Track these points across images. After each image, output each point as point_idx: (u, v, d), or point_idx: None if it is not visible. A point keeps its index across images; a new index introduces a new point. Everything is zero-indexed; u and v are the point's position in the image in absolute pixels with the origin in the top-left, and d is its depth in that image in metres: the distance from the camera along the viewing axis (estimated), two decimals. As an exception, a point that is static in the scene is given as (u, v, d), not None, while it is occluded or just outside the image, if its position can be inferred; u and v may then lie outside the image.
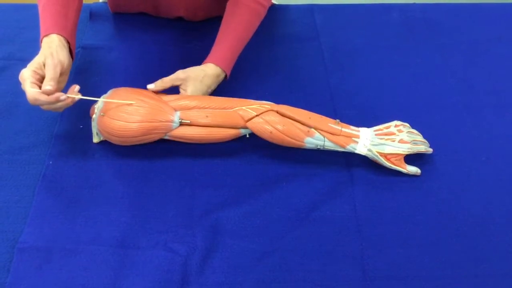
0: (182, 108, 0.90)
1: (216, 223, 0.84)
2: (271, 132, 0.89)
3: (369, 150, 0.89)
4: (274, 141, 0.90)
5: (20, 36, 1.17)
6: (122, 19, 1.20)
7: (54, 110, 0.87)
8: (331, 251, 0.82)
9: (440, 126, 1.00)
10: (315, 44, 1.18)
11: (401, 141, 0.90)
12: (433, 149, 0.93)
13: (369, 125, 0.94)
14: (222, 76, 0.99)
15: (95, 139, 0.93)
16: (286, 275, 0.79)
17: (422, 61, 1.14)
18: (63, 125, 0.97)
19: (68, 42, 0.91)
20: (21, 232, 0.82)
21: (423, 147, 0.91)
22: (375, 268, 0.80)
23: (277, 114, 0.90)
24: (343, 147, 0.89)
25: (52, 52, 0.87)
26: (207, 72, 0.97)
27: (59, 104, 0.85)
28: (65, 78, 0.90)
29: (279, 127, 0.88)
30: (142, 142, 0.91)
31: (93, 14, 1.20)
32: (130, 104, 0.88)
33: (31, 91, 0.83)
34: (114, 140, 0.90)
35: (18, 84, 1.04)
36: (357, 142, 0.89)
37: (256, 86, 1.06)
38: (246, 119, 0.89)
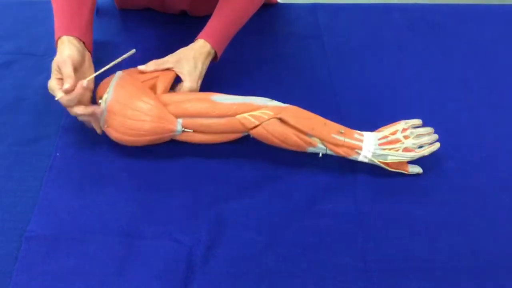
0: (183, 114, 0.89)
1: (220, 215, 0.86)
2: (272, 142, 0.89)
3: (371, 160, 0.89)
4: (277, 146, 0.91)
5: (27, 31, 1.18)
6: (128, 15, 1.22)
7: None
8: (333, 244, 0.83)
9: (441, 125, 1.01)
10: (318, 43, 1.19)
11: (405, 149, 0.89)
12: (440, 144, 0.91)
13: (371, 122, 0.95)
14: (213, 52, 0.99)
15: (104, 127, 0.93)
16: (288, 267, 0.81)
17: (424, 60, 1.16)
18: (70, 118, 0.98)
19: (80, 39, 0.92)
20: (29, 221, 0.83)
21: (428, 150, 0.89)
22: (376, 261, 0.81)
23: (280, 123, 0.89)
24: (345, 157, 0.90)
25: (61, 53, 0.88)
26: (196, 49, 0.97)
27: (86, 96, 0.88)
28: (86, 71, 0.91)
29: (282, 138, 0.89)
30: (152, 143, 0.92)
31: (100, 10, 1.22)
32: (133, 119, 0.87)
33: (64, 98, 0.85)
34: (119, 138, 0.91)
35: (25, 77, 1.07)
36: (359, 154, 0.89)
37: (259, 83, 1.07)
38: (248, 128, 0.89)
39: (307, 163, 0.94)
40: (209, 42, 0.98)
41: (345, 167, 0.93)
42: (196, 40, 0.99)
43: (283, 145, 0.90)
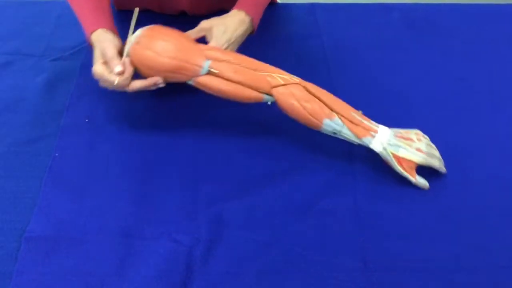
0: (213, 59, 0.89)
1: (220, 215, 0.86)
2: (292, 104, 0.88)
3: (384, 148, 0.87)
4: (293, 115, 0.89)
5: (26, 32, 1.19)
6: (127, 16, 1.21)
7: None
8: (333, 243, 0.83)
9: (440, 125, 1.01)
10: (317, 43, 1.19)
11: (417, 149, 0.88)
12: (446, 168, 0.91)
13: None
14: (247, 21, 0.99)
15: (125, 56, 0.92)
16: (288, 266, 0.80)
17: (423, 60, 1.16)
18: (69, 118, 0.99)
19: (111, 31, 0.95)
20: (28, 222, 0.83)
21: (438, 163, 0.89)
22: (376, 260, 0.81)
23: (304, 90, 0.89)
24: (359, 138, 0.88)
25: (102, 41, 0.91)
26: (229, 16, 0.98)
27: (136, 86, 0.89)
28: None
29: (303, 102, 0.88)
30: (167, 80, 0.90)
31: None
32: (166, 40, 0.88)
33: (120, 80, 0.87)
34: (143, 71, 0.90)
35: (24, 78, 1.08)
36: (374, 137, 0.87)
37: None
38: (273, 85, 0.89)
39: (307, 162, 0.94)
40: (243, 10, 0.98)
41: (345, 166, 0.93)
42: (231, 11, 0.99)
43: (301, 112, 0.88)
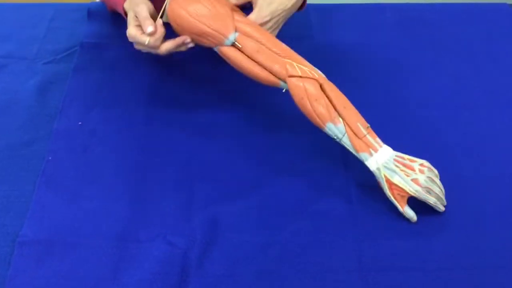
0: (242, 32, 0.90)
1: (215, 217, 0.85)
2: (302, 99, 0.88)
3: (378, 168, 0.85)
4: (301, 108, 0.89)
5: (19, 35, 1.18)
6: (120, 17, 1.21)
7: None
8: (329, 244, 0.83)
9: (434, 124, 1.02)
10: (310, 43, 1.19)
11: (414, 180, 0.83)
12: (445, 207, 0.87)
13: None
14: None
15: (163, 18, 0.93)
16: (284, 267, 0.80)
17: (416, 59, 1.16)
18: (62, 122, 0.98)
19: None
20: (22, 226, 0.83)
21: (434, 200, 0.84)
22: (371, 260, 0.81)
23: (318, 87, 0.88)
24: (357, 151, 0.87)
25: (135, 3, 0.93)
26: None
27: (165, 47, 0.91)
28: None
29: (312, 99, 0.87)
30: (196, 42, 0.92)
31: (91, 13, 1.22)
32: (201, 2, 0.90)
33: (152, 40, 0.89)
34: (175, 27, 0.92)
35: (17, 81, 1.07)
36: (372, 155, 0.86)
37: (252, 85, 1.07)
38: (289, 74, 0.88)
39: (302, 163, 0.94)
40: None
41: (340, 167, 0.93)
42: None
43: (309, 110, 0.88)
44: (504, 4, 1.31)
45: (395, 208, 0.87)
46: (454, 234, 0.85)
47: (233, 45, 0.90)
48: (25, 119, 0.99)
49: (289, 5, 0.95)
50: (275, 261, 0.81)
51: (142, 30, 0.90)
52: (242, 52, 0.90)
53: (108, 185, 0.89)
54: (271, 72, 0.90)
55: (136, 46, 0.93)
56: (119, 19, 1.20)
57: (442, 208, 0.86)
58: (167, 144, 0.95)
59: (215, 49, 0.92)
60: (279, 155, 0.95)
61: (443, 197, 0.86)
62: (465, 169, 0.95)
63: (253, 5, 0.95)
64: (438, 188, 0.85)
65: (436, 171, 0.87)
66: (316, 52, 1.16)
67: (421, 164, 0.86)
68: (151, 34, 0.89)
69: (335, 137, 0.87)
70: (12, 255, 0.79)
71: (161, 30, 0.90)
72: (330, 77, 1.09)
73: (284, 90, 0.91)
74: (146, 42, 0.89)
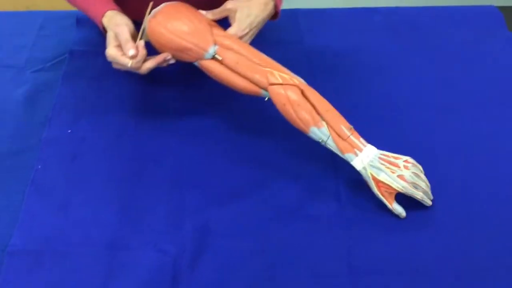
0: (221, 45, 0.91)
1: (205, 223, 0.85)
2: (284, 105, 0.89)
3: (364, 168, 0.87)
4: (284, 114, 0.90)
5: (7, 43, 1.18)
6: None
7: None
8: (319, 248, 0.83)
9: (423, 125, 1.02)
10: (300, 48, 1.19)
11: (400, 176, 0.85)
12: (431, 201, 0.88)
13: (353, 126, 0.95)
14: (271, 5, 0.99)
15: (143, 38, 0.94)
16: (275, 273, 0.80)
17: (406, 62, 1.16)
18: (51, 130, 0.98)
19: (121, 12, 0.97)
20: (11, 235, 0.82)
21: (421, 194, 0.86)
22: (361, 264, 0.81)
23: (299, 93, 0.89)
24: (342, 153, 0.88)
25: (115, 23, 0.93)
26: (254, 1, 0.97)
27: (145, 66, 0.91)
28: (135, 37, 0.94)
29: (295, 105, 0.88)
30: (176, 58, 0.93)
31: (80, 20, 1.21)
32: (180, 19, 0.91)
33: (134, 63, 0.89)
34: (154, 44, 0.93)
35: (6, 90, 1.06)
36: (357, 155, 0.87)
37: (238, 93, 1.07)
38: (270, 82, 0.90)
39: (290, 168, 0.94)
40: None
41: (328, 171, 0.94)
42: None
43: (292, 116, 0.89)
44: (492, 7, 1.31)
45: (384, 212, 0.87)
46: (443, 237, 0.85)
47: (213, 58, 0.91)
48: (14, 128, 0.99)
49: (264, 16, 0.99)
50: (265, 267, 0.81)
51: (122, 51, 0.90)
52: (222, 64, 0.91)
53: (97, 193, 0.89)
54: (252, 82, 0.91)
55: (115, 66, 0.92)
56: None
57: (429, 202, 0.88)
58: (157, 151, 0.94)
59: (196, 63, 0.93)
60: (268, 160, 0.95)
61: (429, 192, 0.88)
62: (455, 171, 0.95)
63: (230, 20, 0.98)
64: (423, 183, 0.87)
65: (420, 167, 0.89)
66: (305, 57, 1.17)
67: (406, 161, 0.88)
68: (133, 57, 0.89)
69: (320, 140, 0.89)
70: (2, 265, 0.79)
71: (142, 52, 0.89)
72: (320, 81, 1.10)
73: (266, 99, 0.92)
74: (129, 65, 0.89)
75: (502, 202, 0.90)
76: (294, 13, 1.28)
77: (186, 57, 0.92)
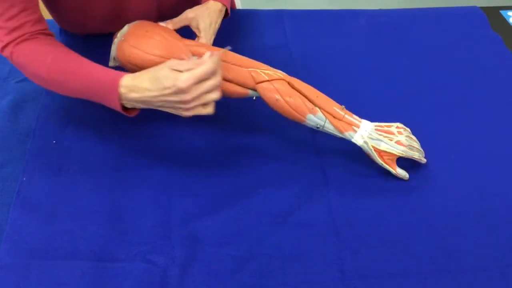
0: (199, 54, 0.91)
1: (194, 232, 0.85)
2: (277, 100, 0.90)
3: (365, 142, 0.90)
4: (277, 109, 0.91)
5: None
6: (93, 35, 1.20)
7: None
8: (310, 254, 0.83)
9: (412, 125, 1.02)
10: (285, 51, 1.19)
11: (398, 142, 0.90)
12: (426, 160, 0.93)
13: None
14: (224, 10, 1.05)
15: (111, 63, 0.94)
16: (266, 280, 0.80)
17: (390, 64, 1.17)
18: (36, 141, 0.97)
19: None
20: (-3, 250, 0.81)
21: (418, 154, 0.91)
22: (352, 268, 0.81)
23: (287, 85, 0.91)
24: (342, 132, 0.90)
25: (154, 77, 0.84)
26: (210, 8, 1.02)
27: None
28: None
29: (286, 97, 0.89)
30: None
31: (64, 29, 1.20)
32: (151, 37, 0.90)
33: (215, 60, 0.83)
34: (129, 67, 0.91)
35: (-11, 101, 1.05)
36: (356, 131, 0.90)
37: (224, 101, 1.07)
38: (257, 81, 0.90)
39: (279, 174, 0.93)
40: (219, 1, 1.04)
41: (318, 176, 0.93)
42: (207, 2, 1.04)
43: (285, 107, 0.90)
44: (475, 7, 1.32)
45: (376, 216, 0.87)
46: (435, 240, 0.85)
47: None
48: (-2, 139, 0.97)
49: (219, 20, 1.04)
50: (256, 274, 0.80)
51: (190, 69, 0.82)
52: None
53: (84, 204, 0.88)
54: (238, 84, 0.91)
55: (194, 94, 0.82)
56: (91, 37, 1.19)
57: (424, 160, 0.93)
58: (143, 160, 0.94)
59: None
60: (256, 167, 0.94)
61: (421, 149, 0.93)
62: (445, 172, 0.95)
63: (196, 31, 1.00)
64: (416, 143, 0.93)
65: (408, 129, 0.94)
66: (291, 60, 1.17)
67: (397, 127, 0.93)
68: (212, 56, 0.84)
69: (318, 126, 0.90)
70: (-12, 281, 0.78)
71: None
72: (306, 83, 1.10)
73: (254, 98, 0.92)
74: (214, 65, 0.82)
75: (501, 199, 0.91)
76: (279, 15, 1.28)
77: None
